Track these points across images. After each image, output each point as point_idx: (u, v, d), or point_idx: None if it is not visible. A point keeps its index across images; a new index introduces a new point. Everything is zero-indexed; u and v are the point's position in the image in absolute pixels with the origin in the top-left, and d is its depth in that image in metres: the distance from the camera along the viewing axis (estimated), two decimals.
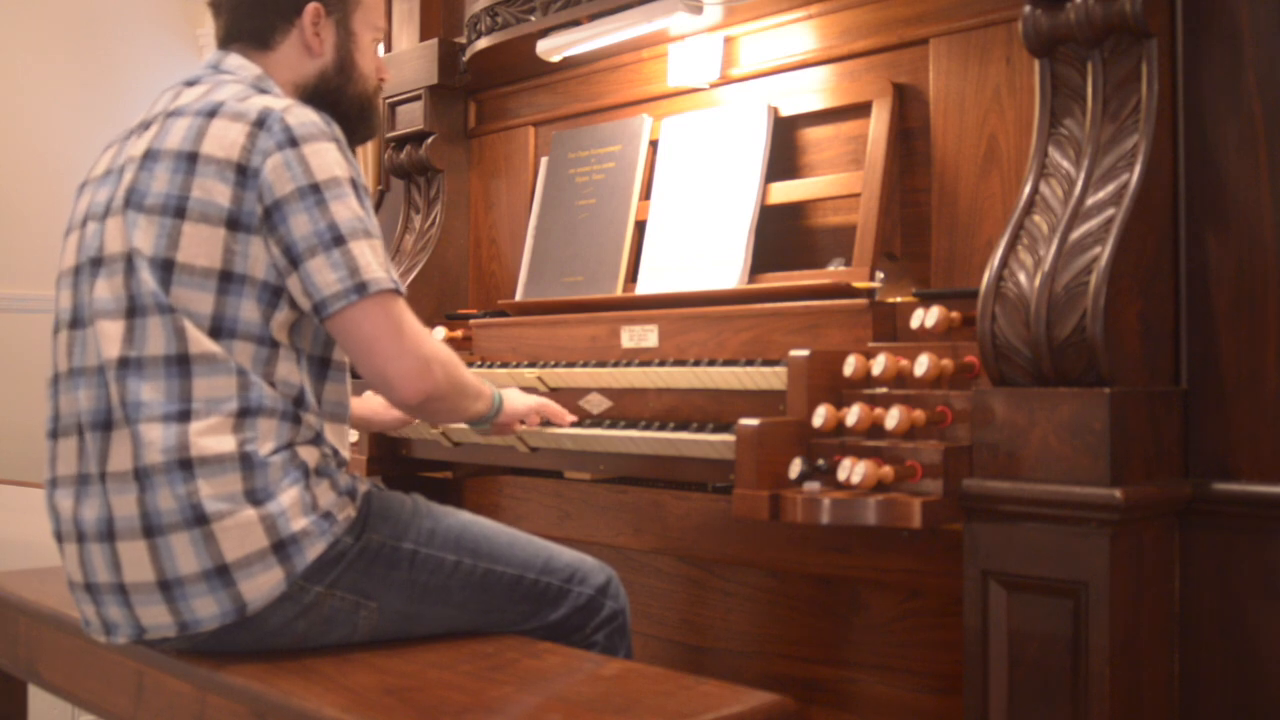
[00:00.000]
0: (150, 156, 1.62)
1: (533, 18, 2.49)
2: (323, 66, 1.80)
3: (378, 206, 3.33)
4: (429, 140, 2.91)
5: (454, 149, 2.95)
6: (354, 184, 1.62)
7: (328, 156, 1.60)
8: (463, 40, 2.82)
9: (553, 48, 2.50)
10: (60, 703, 2.73)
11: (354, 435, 2.53)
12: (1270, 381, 1.59)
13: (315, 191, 1.57)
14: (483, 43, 2.62)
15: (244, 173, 1.57)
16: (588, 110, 2.68)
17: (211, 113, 1.61)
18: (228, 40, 1.78)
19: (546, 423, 2.12)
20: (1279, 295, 1.59)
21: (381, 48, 1.94)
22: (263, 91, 1.68)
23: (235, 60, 1.74)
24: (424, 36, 2.98)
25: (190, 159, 1.58)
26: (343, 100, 1.81)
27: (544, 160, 2.68)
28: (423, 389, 1.63)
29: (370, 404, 2.18)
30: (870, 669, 2.04)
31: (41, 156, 4.12)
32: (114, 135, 1.77)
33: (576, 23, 2.44)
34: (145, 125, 1.69)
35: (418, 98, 2.91)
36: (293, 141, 1.58)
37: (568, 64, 2.63)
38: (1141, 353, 1.60)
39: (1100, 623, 1.50)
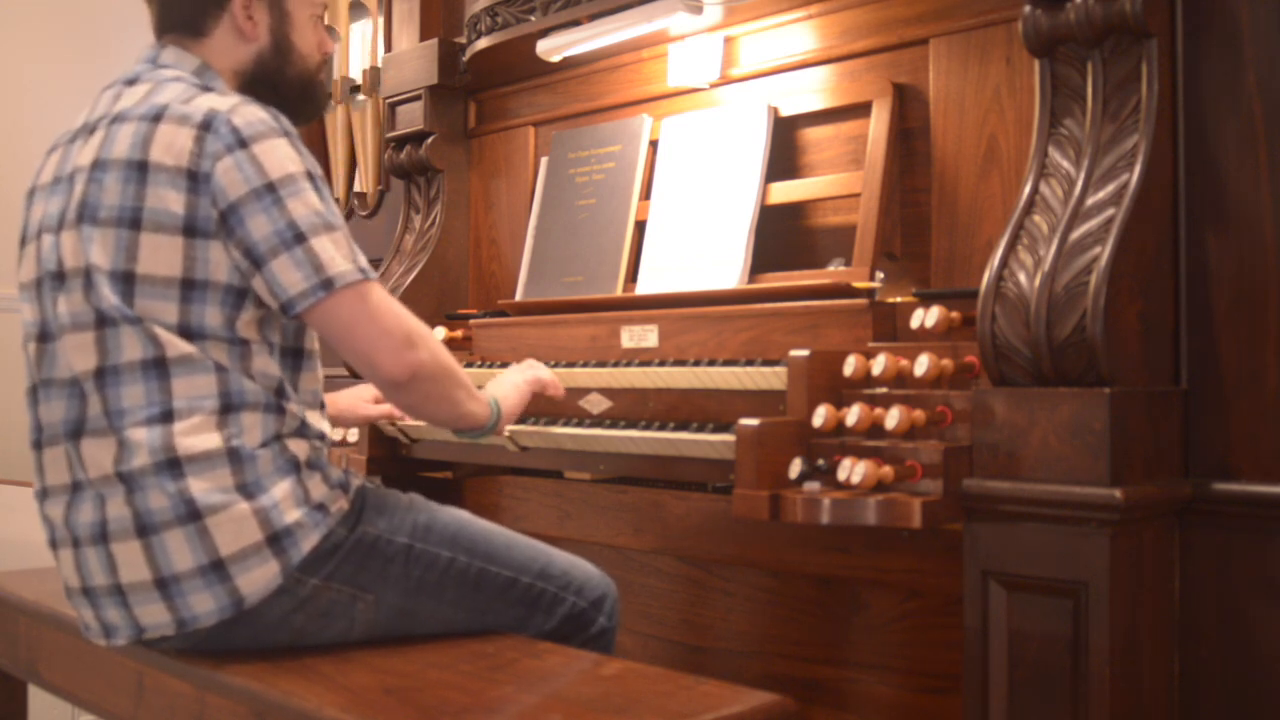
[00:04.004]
0: (99, 166, 1.59)
1: (533, 18, 2.49)
2: (259, 50, 1.76)
3: (377, 206, 3.34)
4: (429, 140, 2.91)
5: (454, 149, 2.95)
6: (310, 177, 1.60)
7: (279, 153, 1.58)
8: (463, 40, 2.82)
9: (553, 48, 2.50)
10: (60, 703, 2.73)
11: (354, 434, 2.53)
12: (1270, 381, 1.59)
13: (271, 191, 1.56)
14: (483, 43, 2.62)
15: (195, 178, 1.55)
16: (588, 110, 2.68)
17: (156, 117, 1.59)
18: (162, 30, 1.75)
19: (522, 421, 2.09)
20: (1279, 295, 1.59)
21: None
22: (206, 88, 1.65)
23: (172, 53, 1.71)
24: (424, 36, 2.98)
25: (140, 168, 1.56)
26: (283, 82, 1.78)
27: (544, 160, 2.68)
28: (408, 364, 1.62)
29: (348, 398, 2.17)
30: (870, 669, 2.04)
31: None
32: (58, 137, 1.74)
33: (576, 23, 2.44)
34: (89, 129, 1.66)
35: (418, 98, 2.91)
36: (242, 143, 1.56)
37: (568, 64, 2.63)
38: (1141, 353, 1.60)
39: (1100, 623, 1.50)
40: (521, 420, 2.13)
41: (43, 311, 1.63)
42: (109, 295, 1.55)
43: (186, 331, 1.56)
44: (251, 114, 1.59)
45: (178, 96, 1.61)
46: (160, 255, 1.55)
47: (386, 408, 2.16)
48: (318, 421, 1.68)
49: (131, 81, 1.69)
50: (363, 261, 1.62)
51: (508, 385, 1.99)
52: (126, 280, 1.55)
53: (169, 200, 1.55)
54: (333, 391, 2.10)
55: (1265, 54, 1.60)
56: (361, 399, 2.16)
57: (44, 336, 1.63)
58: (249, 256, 1.56)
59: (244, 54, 1.76)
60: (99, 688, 1.81)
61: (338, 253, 1.58)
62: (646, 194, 2.44)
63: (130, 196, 1.56)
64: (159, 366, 1.55)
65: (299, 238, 1.56)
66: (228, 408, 1.56)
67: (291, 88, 1.80)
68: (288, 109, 1.68)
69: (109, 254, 1.56)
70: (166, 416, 1.54)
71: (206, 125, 1.57)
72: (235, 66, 1.75)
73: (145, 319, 1.55)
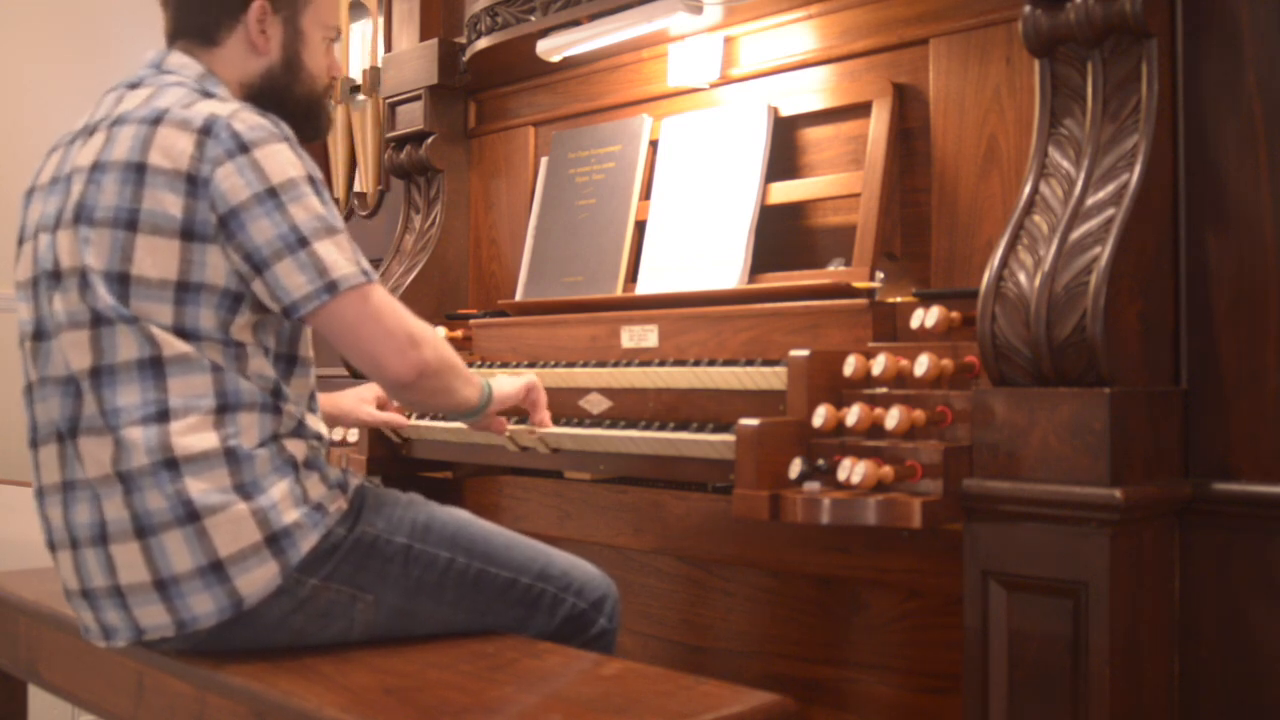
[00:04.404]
0: (98, 168, 1.59)
1: (533, 18, 2.49)
2: (269, 65, 1.75)
3: (377, 206, 3.34)
4: (429, 140, 2.91)
5: (454, 149, 2.95)
6: (311, 181, 1.60)
7: (280, 158, 1.58)
8: (463, 40, 2.82)
9: (553, 48, 2.50)
10: (60, 703, 2.73)
11: (354, 434, 2.53)
12: (1270, 381, 1.59)
13: (273, 195, 1.56)
14: (483, 43, 2.62)
15: (194, 182, 1.55)
16: (588, 110, 2.68)
17: (156, 120, 1.58)
18: (174, 36, 1.74)
19: (523, 420, 2.09)
20: (1279, 295, 1.59)
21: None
22: (207, 94, 1.65)
23: (178, 59, 1.71)
24: (424, 36, 2.98)
25: (138, 170, 1.56)
26: (289, 100, 1.77)
27: (544, 160, 2.68)
28: (414, 363, 1.62)
29: (351, 400, 2.17)
30: (870, 669, 2.04)
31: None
32: (59, 138, 1.73)
33: (576, 23, 2.44)
34: (90, 130, 1.66)
35: (418, 98, 2.91)
36: (243, 148, 1.56)
37: (568, 64, 2.63)
38: (1141, 353, 1.60)
39: (1100, 623, 1.50)
40: (522, 420, 2.13)
41: (38, 310, 1.63)
42: (105, 295, 1.55)
43: (182, 332, 1.56)
44: (252, 119, 1.59)
45: (178, 101, 1.61)
46: (156, 258, 1.55)
47: (387, 415, 2.17)
48: (314, 423, 1.69)
49: (134, 85, 1.69)
50: (365, 264, 1.62)
51: (504, 378, 1.99)
52: (121, 281, 1.55)
53: (166, 203, 1.55)
54: (329, 392, 2.10)
55: (1265, 54, 1.60)
56: (364, 400, 2.16)
57: (40, 335, 1.64)
58: (250, 261, 1.56)
59: (253, 67, 1.75)
60: (99, 688, 1.81)
61: (341, 255, 1.59)
62: (646, 194, 2.44)
63: (127, 198, 1.56)
64: (155, 365, 1.55)
65: (302, 241, 1.56)
66: (224, 407, 1.56)
67: (297, 105, 1.79)
68: (290, 126, 1.67)
69: (104, 255, 1.56)
70: (163, 416, 1.54)
71: (207, 130, 1.57)
72: (243, 79, 1.75)
73: (141, 319, 1.55)
